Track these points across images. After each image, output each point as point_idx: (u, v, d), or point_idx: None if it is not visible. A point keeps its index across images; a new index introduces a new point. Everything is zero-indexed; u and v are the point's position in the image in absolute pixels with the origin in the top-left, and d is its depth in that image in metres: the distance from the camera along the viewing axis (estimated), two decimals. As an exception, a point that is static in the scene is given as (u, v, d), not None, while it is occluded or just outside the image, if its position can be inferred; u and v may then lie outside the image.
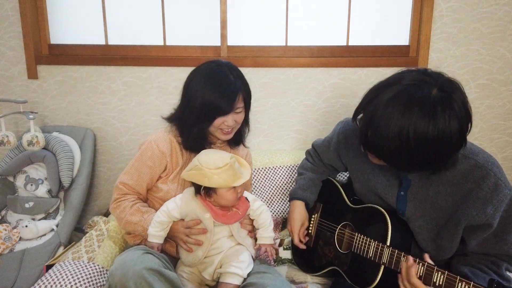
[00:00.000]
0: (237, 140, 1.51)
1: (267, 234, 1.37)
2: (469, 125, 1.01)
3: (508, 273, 1.15)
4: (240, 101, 1.37)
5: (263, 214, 1.38)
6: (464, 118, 0.98)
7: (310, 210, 1.56)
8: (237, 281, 1.26)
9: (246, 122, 1.49)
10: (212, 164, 1.25)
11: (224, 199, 1.27)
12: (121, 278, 1.10)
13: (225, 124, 1.36)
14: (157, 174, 1.42)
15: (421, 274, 1.09)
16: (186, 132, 1.41)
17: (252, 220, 1.40)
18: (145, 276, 1.10)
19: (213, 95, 1.32)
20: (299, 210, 1.51)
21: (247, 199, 1.37)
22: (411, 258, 1.11)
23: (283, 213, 1.85)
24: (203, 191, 1.29)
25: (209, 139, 1.46)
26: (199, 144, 1.41)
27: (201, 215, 1.29)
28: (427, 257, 1.10)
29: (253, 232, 1.42)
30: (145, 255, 1.18)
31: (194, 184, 1.32)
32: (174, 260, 1.40)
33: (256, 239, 1.41)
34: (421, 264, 1.10)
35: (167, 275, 1.16)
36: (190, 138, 1.40)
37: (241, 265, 1.28)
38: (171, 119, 1.46)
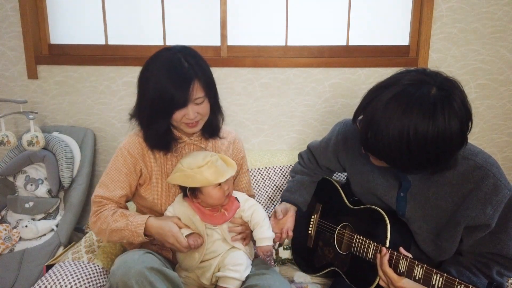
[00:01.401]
0: (211, 131, 1.39)
1: (264, 235, 1.28)
2: (470, 123, 1.00)
3: (498, 276, 1.15)
4: (198, 90, 1.22)
5: (255, 213, 1.30)
6: (464, 116, 0.98)
7: (310, 211, 1.56)
8: (235, 285, 1.25)
9: (217, 110, 1.37)
10: (193, 163, 1.24)
11: (211, 197, 1.25)
12: (123, 277, 1.09)
13: (186, 117, 1.24)
14: (135, 180, 1.34)
15: (403, 270, 1.12)
16: (145, 130, 1.30)
17: (242, 224, 1.34)
18: (147, 275, 1.09)
19: (164, 86, 1.19)
20: (284, 204, 1.51)
21: (237, 200, 1.33)
22: (384, 249, 1.17)
23: (283, 213, 1.86)
24: (189, 193, 1.27)
25: (175, 134, 1.35)
26: (164, 141, 1.31)
27: (193, 217, 1.28)
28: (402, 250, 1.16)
29: (248, 239, 1.35)
30: (146, 255, 1.18)
31: (180, 187, 1.30)
32: (171, 266, 1.37)
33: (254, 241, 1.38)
34: (404, 259, 1.13)
35: (169, 275, 1.15)
36: (151, 136, 1.30)
37: (238, 268, 1.26)
38: (132, 115, 1.34)
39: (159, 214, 1.36)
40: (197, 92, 1.23)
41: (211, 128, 1.38)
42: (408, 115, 0.96)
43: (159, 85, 1.20)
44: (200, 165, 1.23)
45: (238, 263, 1.28)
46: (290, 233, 1.46)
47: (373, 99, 1.03)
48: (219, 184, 1.25)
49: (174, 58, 1.23)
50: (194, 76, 1.22)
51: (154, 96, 1.21)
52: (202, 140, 1.41)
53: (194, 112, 1.24)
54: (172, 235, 1.22)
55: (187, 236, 1.24)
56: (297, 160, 1.66)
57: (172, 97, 1.20)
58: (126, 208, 1.38)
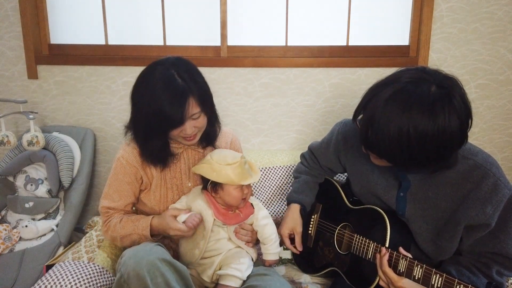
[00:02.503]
0: (208, 141, 1.40)
1: (273, 250, 1.34)
2: (470, 121, 1.00)
3: (498, 276, 1.14)
4: (193, 107, 1.22)
5: (267, 227, 1.34)
6: (464, 114, 0.98)
7: (310, 211, 1.56)
8: (236, 283, 1.26)
9: (214, 120, 1.38)
10: (222, 160, 1.27)
11: (230, 196, 1.28)
12: (135, 267, 1.10)
13: (184, 133, 1.25)
14: (138, 188, 1.38)
15: (403, 270, 1.12)
16: (141, 146, 1.32)
17: (251, 231, 1.36)
18: (158, 265, 1.11)
19: (160, 105, 1.18)
20: (291, 215, 1.49)
21: (252, 206, 1.36)
22: (383, 249, 1.17)
23: (283, 214, 1.86)
24: (210, 186, 1.30)
25: (172, 148, 1.36)
26: (160, 157, 1.33)
27: (204, 210, 1.30)
28: (402, 250, 1.15)
29: (252, 243, 1.37)
30: (157, 247, 1.20)
31: (202, 179, 1.34)
32: None
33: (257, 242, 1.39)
34: (404, 259, 1.12)
35: (178, 267, 1.17)
36: (147, 153, 1.31)
37: (240, 267, 1.27)
38: (127, 128, 1.34)
39: None
40: (193, 108, 1.22)
41: (208, 138, 1.40)
42: (408, 113, 0.96)
43: (154, 104, 1.19)
44: (228, 163, 1.26)
45: (240, 262, 1.29)
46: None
47: (372, 97, 1.03)
48: (241, 186, 1.28)
49: (168, 75, 1.21)
50: (189, 92, 1.21)
51: (150, 114, 1.21)
52: (198, 148, 1.43)
53: (191, 127, 1.25)
54: (170, 228, 1.26)
55: (185, 221, 1.27)
56: (297, 160, 1.66)
57: (168, 116, 1.19)
58: (133, 213, 1.42)
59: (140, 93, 1.24)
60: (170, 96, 1.19)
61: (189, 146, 1.39)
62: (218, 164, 1.26)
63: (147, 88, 1.22)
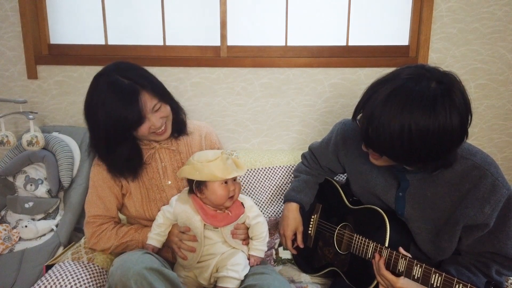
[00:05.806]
0: (178, 129, 1.41)
1: (260, 247, 1.33)
2: (470, 116, 1.00)
3: (497, 275, 1.15)
4: (149, 99, 1.24)
5: (259, 225, 1.34)
6: (464, 109, 0.97)
7: (309, 211, 1.56)
8: (233, 284, 1.25)
9: (177, 107, 1.38)
10: (203, 158, 1.27)
11: (215, 194, 1.26)
12: (122, 278, 1.10)
13: (153, 128, 1.27)
14: (119, 191, 1.39)
15: (402, 269, 1.11)
16: (106, 159, 1.32)
17: (247, 229, 1.36)
18: (145, 275, 1.10)
19: (114, 111, 1.20)
20: (293, 215, 1.49)
21: (243, 205, 1.34)
22: (377, 255, 1.17)
23: (283, 213, 1.86)
24: (195, 187, 1.29)
25: (144, 151, 1.36)
26: (129, 166, 1.33)
27: (192, 217, 1.29)
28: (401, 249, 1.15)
29: (247, 240, 1.37)
30: (145, 255, 1.19)
31: (188, 182, 1.32)
32: (170, 265, 1.39)
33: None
34: (403, 258, 1.12)
35: (167, 275, 1.16)
36: (115, 164, 1.32)
37: (237, 268, 1.26)
38: (89, 150, 1.36)
39: (146, 220, 1.41)
40: (150, 101, 1.25)
41: (178, 126, 1.40)
42: (409, 110, 0.95)
43: (109, 113, 1.21)
44: (209, 159, 1.25)
45: (236, 263, 1.28)
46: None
47: (372, 95, 1.02)
48: (226, 183, 1.26)
49: (112, 80, 1.23)
50: (140, 88, 1.23)
51: (107, 124, 1.22)
52: (172, 141, 1.43)
53: (157, 119, 1.27)
54: (174, 244, 1.34)
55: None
56: (297, 160, 1.66)
57: (126, 118, 1.21)
58: (119, 219, 1.45)
59: (93, 109, 1.25)
60: (121, 99, 1.20)
61: (162, 145, 1.40)
62: (200, 162, 1.25)
63: (97, 102, 1.23)
